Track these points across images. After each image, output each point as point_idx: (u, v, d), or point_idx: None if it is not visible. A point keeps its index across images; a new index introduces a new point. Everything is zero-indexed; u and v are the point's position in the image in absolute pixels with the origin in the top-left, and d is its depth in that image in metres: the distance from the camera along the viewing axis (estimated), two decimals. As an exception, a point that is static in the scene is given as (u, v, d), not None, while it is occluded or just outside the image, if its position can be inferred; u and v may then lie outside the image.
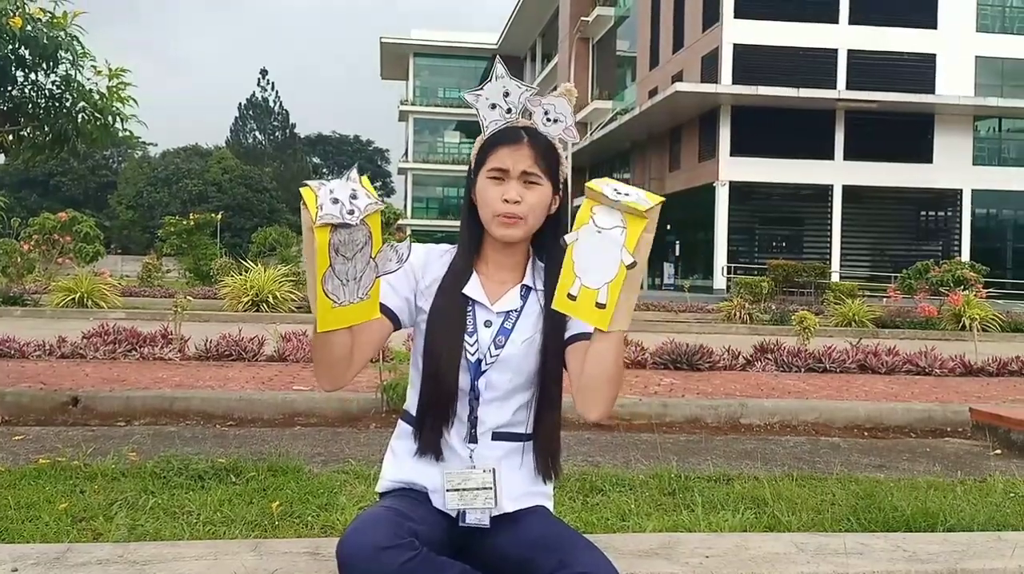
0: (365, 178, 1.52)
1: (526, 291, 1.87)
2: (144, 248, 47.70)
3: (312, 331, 1.60)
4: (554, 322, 1.82)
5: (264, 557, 2.07)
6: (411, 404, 1.91)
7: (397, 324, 1.82)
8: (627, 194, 1.56)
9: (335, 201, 1.46)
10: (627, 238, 1.56)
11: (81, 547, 2.16)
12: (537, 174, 1.79)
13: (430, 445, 1.81)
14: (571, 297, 1.61)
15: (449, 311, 1.82)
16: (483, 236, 1.86)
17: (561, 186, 1.87)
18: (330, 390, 1.73)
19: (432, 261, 1.87)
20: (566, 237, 1.62)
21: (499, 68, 1.80)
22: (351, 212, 1.47)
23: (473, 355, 1.82)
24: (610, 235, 1.57)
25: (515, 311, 1.85)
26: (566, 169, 1.88)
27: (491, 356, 1.82)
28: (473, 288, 1.84)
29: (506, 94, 1.80)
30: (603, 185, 1.58)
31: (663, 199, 1.58)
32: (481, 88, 1.80)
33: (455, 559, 1.71)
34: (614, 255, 1.56)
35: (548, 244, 1.87)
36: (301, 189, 1.49)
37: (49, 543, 2.39)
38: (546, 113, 1.81)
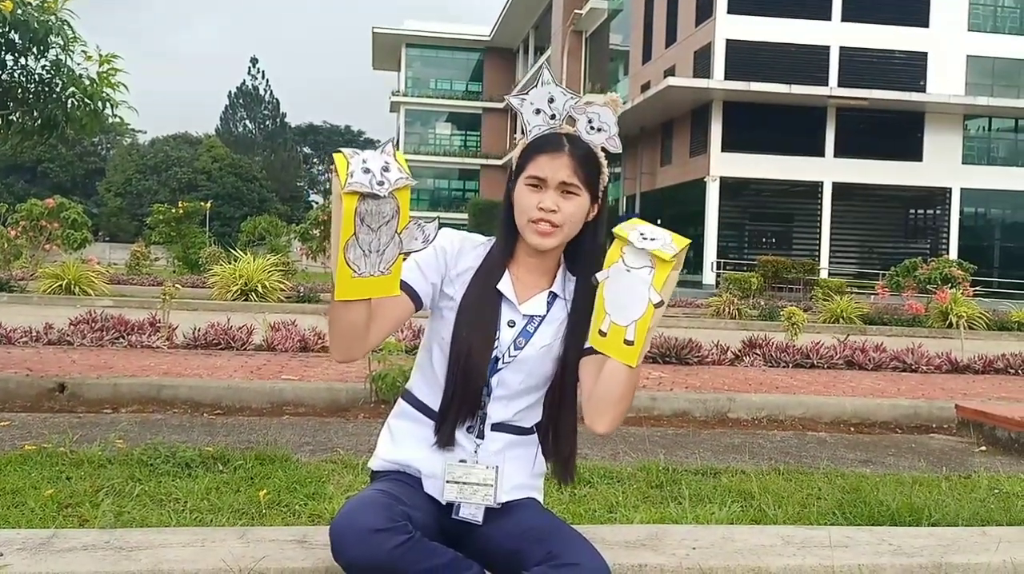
0: (400, 153, 1.52)
1: (553, 298, 1.88)
2: (132, 236, 47.39)
3: (331, 299, 1.60)
4: (576, 332, 1.83)
5: (251, 545, 2.06)
6: (416, 386, 1.91)
7: (419, 305, 1.80)
8: (653, 239, 1.58)
9: (366, 171, 1.47)
10: (655, 278, 1.58)
11: (67, 533, 2.15)
12: (576, 184, 1.78)
13: (449, 437, 1.82)
14: (602, 334, 1.64)
15: (483, 304, 1.82)
16: (518, 238, 1.85)
17: (601, 194, 1.86)
18: (342, 361, 1.74)
19: (466, 251, 1.87)
20: (598, 275, 1.64)
21: (545, 74, 1.80)
22: (381, 183, 1.47)
23: (492, 352, 1.82)
24: (639, 274, 1.59)
25: (539, 316, 1.86)
26: (606, 177, 1.87)
27: (509, 356, 1.83)
28: (505, 286, 1.85)
29: (551, 100, 1.79)
30: (630, 229, 1.61)
31: (689, 242, 1.60)
32: (526, 92, 1.80)
33: (446, 546, 1.71)
34: (642, 294, 1.59)
35: (584, 251, 1.86)
36: (334, 155, 1.49)
37: (35, 529, 2.38)
38: (590, 122, 1.81)
